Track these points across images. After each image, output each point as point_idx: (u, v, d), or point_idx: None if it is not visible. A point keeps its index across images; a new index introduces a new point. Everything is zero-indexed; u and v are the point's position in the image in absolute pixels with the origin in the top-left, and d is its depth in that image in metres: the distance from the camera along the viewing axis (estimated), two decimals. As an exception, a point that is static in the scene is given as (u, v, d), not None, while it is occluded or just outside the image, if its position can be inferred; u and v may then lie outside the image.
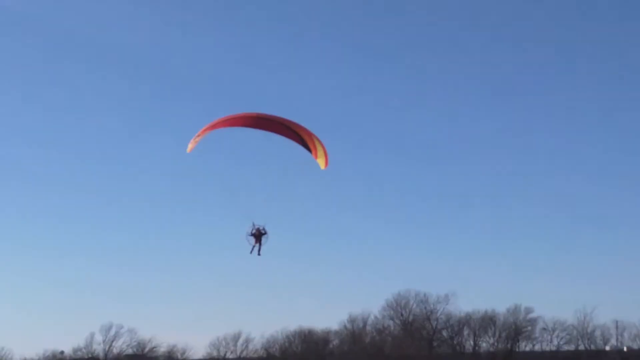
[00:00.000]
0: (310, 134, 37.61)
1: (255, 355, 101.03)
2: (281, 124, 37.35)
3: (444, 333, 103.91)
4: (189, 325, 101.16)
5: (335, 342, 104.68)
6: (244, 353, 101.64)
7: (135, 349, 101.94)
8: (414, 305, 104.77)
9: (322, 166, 37.77)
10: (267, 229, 38.96)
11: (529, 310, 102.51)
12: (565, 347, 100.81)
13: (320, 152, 37.58)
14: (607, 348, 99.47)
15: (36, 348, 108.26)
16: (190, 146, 38.16)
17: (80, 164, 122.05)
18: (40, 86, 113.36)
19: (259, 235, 39.12)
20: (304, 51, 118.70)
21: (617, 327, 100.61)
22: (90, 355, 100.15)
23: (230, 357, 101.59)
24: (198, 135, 37.87)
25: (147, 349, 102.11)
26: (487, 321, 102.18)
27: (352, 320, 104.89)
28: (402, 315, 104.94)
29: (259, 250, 38.96)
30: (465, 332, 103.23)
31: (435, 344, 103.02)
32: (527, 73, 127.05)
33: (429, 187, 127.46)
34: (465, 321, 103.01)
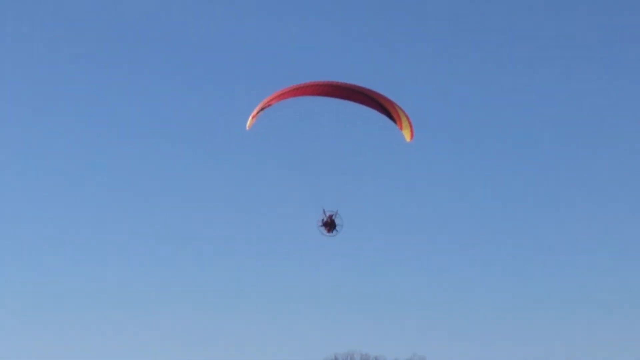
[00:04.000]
0: (392, 102, 31.94)
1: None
2: (358, 91, 31.68)
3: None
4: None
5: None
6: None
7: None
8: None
9: (408, 138, 32.11)
10: (341, 217, 33.55)
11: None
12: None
13: (405, 123, 31.92)
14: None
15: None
16: (249, 122, 32.35)
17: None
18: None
19: (331, 223, 33.69)
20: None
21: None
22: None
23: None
24: (259, 109, 32.00)
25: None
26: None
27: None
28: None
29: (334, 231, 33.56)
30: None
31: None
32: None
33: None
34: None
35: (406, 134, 31.89)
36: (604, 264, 76.30)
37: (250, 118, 32.20)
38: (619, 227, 78.07)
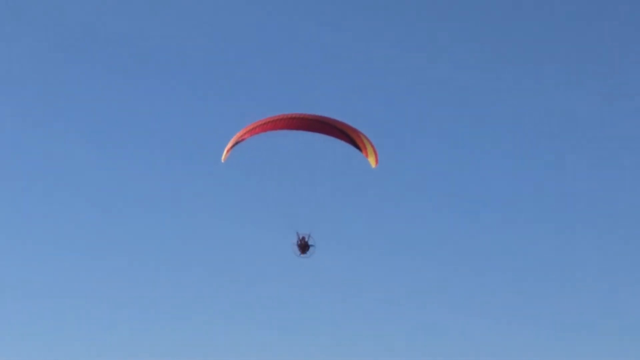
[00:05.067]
0: (357, 132, 34.29)
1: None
2: (325, 122, 33.98)
3: None
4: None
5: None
6: None
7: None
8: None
9: (373, 164, 34.42)
10: (314, 238, 35.88)
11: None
12: None
13: (370, 150, 34.22)
14: None
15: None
16: (224, 155, 34.53)
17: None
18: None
19: (304, 245, 36.01)
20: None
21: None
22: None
23: None
24: (233, 143, 34.23)
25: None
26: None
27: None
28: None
29: (307, 253, 35.93)
30: None
31: None
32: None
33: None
34: None
35: (371, 161, 34.19)
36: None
37: (225, 151, 34.40)
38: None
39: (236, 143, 34.09)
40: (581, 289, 72.43)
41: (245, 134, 33.93)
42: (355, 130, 34.04)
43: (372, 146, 34.13)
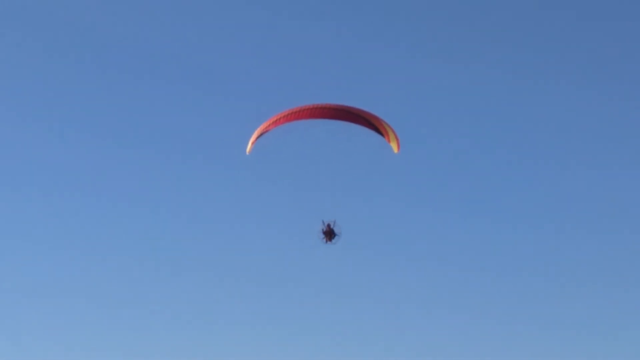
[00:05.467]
0: (378, 119, 35.02)
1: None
2: (347, 110, 34.70)
3: None
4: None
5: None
6: None
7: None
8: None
9: (395, 149, 35.14)
10: (339, 225, 36.53)
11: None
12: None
13: (391, 136, 34.93)
14: None
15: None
16: (249, 146, 35.17)
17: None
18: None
19: (330, 232, 36.63)
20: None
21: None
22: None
23: None
24: (258, 134, 34.89)
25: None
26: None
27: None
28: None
29: (333, 240, 36.53)
30: None
31: None
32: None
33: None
34: None
35: (394, 146, 34.89)
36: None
37: (249, 143, 35.04)
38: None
39: (260, 134, 34.73)
40: (581, 289, 73.65)
41: (269, 125, 34.56)
42: (376, 117, 34.74)
43: (394, 132, 34.82)
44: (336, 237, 36.54)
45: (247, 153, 35.17)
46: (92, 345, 70.90)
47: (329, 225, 36.45)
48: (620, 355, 70.00)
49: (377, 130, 34.66)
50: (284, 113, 34.48)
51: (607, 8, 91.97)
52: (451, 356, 68.43)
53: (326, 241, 36.53)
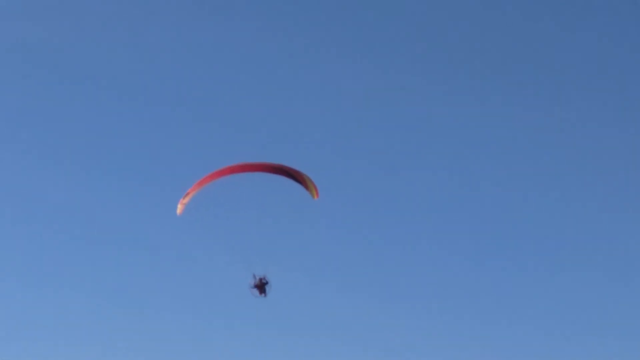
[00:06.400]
0: (295, 169, 38.31)
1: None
2: (266, 165, 37.93)
3: None
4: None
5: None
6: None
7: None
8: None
9: (315, 196, 38.29)
10: (268, 277, 38.93)
11: None
12: None
13: (309, 184, 38.16)
14: None
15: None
16: (179, 208, 37.79)
17: None
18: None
19: (261, 286, 38.91)
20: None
21: None
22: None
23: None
24: (187, 195, 37.63)
25: None
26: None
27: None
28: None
29: (265, 293, 38.80)
30: None
31: None
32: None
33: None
34: None
35: (313, 194, 38.07)
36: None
37: (180, 205, 37.70)
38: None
39: (189, 195, 37.49)
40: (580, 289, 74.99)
41: (196, 187, 37.42)
42: (294, 169, 38.03)
43: (311, 181, 38.10)
44: (268, 287, 38.86)
45: (179, 214, 37.76)
46: (92, 345, 69.97)
47: (260, 279, 38.82)
48: (619, 355, 72.90)
49: (296, 179, 37.84)
50: (205, 176, 37.46)
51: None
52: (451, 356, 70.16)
53: (259, 294, 38.85)
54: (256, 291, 38.70)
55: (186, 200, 37.40)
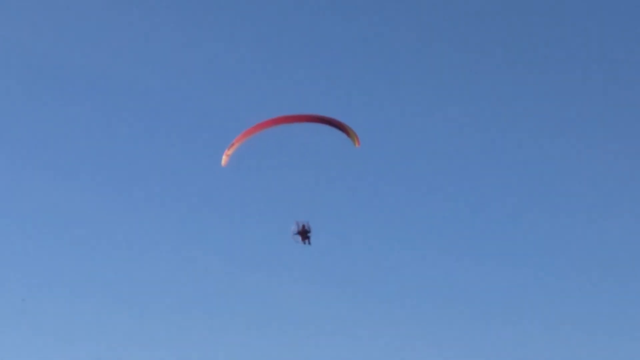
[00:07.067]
0: (337, 120, 38.84)
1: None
2: (309, 115, 38.38)
3: None
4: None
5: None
6: None
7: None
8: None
9: (356, 144, 38.86)
10: (311, 225, 39.58)
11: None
12: None
13: (351, 132, 38.71)
14: None
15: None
16: (224, 159, 38.28)
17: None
18: None
19: (304, 233, 39.55)
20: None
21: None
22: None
23: None
24: (231, 147, 38.10)
25: None
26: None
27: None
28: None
29: (309, 241, 39.45)
30: None
31: None
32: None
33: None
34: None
35: (355, 141, 38.66)
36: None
37: (224, 157, 38.20)
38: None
39: (234, 147, 37.96)
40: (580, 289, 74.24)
41: (241, 137, 37.87)
42: (335, 119, 38.57)
43: (352, 130, 38.66)
44: (310, 236, 39.54)
45: (223, 165, 38.26)
46: (92, 345, 71.09)
47: (303, 226, 39.50)
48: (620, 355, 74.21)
49: (338, 127, 38.37)
50: (252, 126, 37.90)
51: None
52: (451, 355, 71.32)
53: (302, 241, 39.56)
54: (299, 238, 39.43)
55: (230, 151, 37.84)
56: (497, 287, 77.16)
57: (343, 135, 38.55)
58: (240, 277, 75.07)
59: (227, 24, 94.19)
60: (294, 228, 39.27)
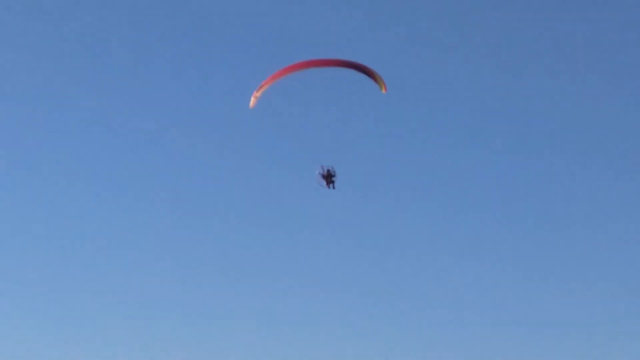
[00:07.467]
0: (362, 64, 39.15)
1: None
2: (336, 60, 38.74)
3: None
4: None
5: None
6: None
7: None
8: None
9: (383, 90, 39.23)
10: (335, 170, 40.06)
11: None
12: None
13: (378, 77, 39.05)
14: None
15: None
16: (252, 101, 38.78)
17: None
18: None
19: (328, 177, 40.03)
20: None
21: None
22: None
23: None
24: (260, 89, 38.58)
25: None
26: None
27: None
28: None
29: (334, 185, 39.95)
30: None
31: None
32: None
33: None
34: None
35: (382, 86, 39.05)
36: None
37: (252, 99, 38.71)
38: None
39: (262, 90, 38.44)
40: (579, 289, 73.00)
41: (269, 80, 38.33)
42: (361, 64, 38.92)
43: (379, 75, 39.01)
44: (335, 180, 40.06)
45: (251, 107, 38.78)
46: (92, 345, 72.15)
47: (328, 170, 40.00)
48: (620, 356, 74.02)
49: (364, 72, 38.74)
50: (280, 69, 38.32)
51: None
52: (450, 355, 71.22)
53: (326, 185, 40.08)
54: (323, 182, 39.91)
55: (259, 93, 38.35)
56: (497, 287, 78.56)
57: (370, 81, 39.02)
58: (241, 277, 75.97)
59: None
60: (319, 171, 39.81)
